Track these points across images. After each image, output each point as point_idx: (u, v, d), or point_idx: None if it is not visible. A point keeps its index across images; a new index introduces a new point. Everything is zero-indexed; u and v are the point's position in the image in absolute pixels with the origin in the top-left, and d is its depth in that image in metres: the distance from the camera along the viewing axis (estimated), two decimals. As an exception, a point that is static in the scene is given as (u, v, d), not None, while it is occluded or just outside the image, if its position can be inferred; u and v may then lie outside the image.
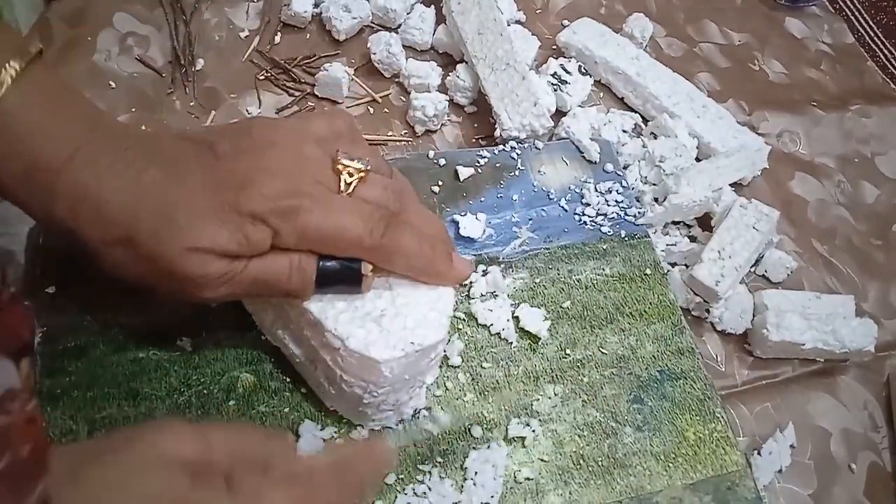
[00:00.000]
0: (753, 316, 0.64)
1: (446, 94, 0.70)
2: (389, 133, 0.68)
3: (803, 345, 0.62)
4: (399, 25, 0.74)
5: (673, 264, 0.66)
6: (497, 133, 0.67)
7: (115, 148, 0.43)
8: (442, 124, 0.70)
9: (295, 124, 0.49)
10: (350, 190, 0.46)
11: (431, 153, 0.64)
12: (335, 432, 0.50)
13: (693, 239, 0.68)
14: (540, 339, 0.57)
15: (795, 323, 0.62)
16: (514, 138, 0.67)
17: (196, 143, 0.45)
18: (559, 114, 0.72)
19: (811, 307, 0.64)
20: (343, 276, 0.46)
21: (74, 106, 0.45)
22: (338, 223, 0.44)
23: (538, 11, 0.81)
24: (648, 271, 0.62)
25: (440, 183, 0.63)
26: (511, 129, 0.66)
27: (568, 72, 0.73)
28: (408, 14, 0.74)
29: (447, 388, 0.54)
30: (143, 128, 0.47)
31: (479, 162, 0.65)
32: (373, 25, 0.74)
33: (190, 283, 0.43)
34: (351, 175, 0.46)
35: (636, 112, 0.75)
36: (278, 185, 0.44)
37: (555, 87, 0.72)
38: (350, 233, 0.45)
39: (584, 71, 0.75)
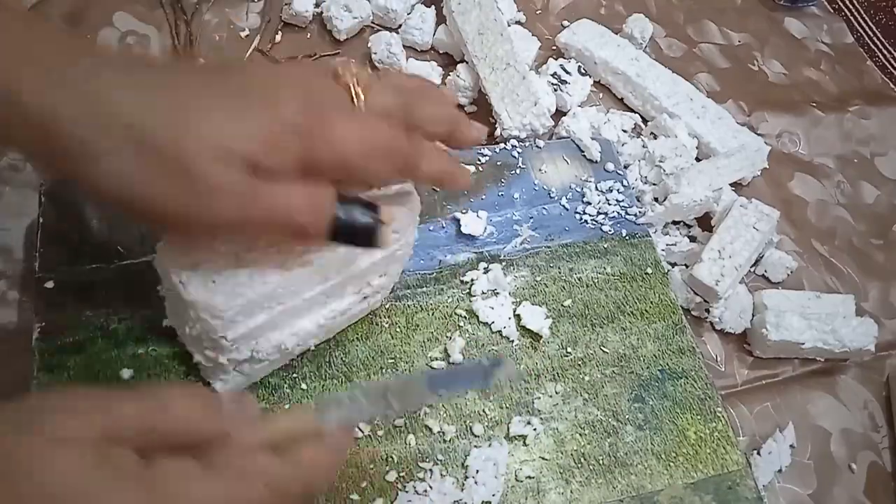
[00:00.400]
0: (753, 316, 0.64)
1: (447, 93, 0.70)
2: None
3: (803, 344, 0.62)
4: (400, 25, 0.74)
5: (673, 264, 0.66)
6: (497, 132, 0.67)
7: (124, 67, 0.40)
8: None
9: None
10: (362, 101, 0.45)
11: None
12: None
13: (693, 239, 0.68)
14: (541, 337, 0.57)
15: (795, 323, 0.62)
16: (514, 137, 0.67)
17: (208, 72, 0.43)
18: (559, 114, 0.72)
19: (811, 307, 0.64)
20: (360, 227, 0.44)
21: (60, 33, 0.42)
22: (365, 135, 0.43)
23: (538, 12, 0.81)
24: (649, 270, 0.62)
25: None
26: (511, 129, 0.66)
27: (567, 72, 0.73)
28: (408, 14, 0.74)
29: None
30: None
31: (480, 160, 0.64)
32: (373, 25, 0.74)
33: (204, 192, 0.39)
34: (357, 85, 0.45)
35: (636, 112, 0.75)
36: (304, 101, 0.42)
37: (555, 87, 0.72)
38: (380, 143, 0.44)
39: (583, 71, 0.75)
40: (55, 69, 0.38)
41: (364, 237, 0.44)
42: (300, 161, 0.41)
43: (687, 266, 0.65)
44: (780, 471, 0.58)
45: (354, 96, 0.44)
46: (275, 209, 0.41)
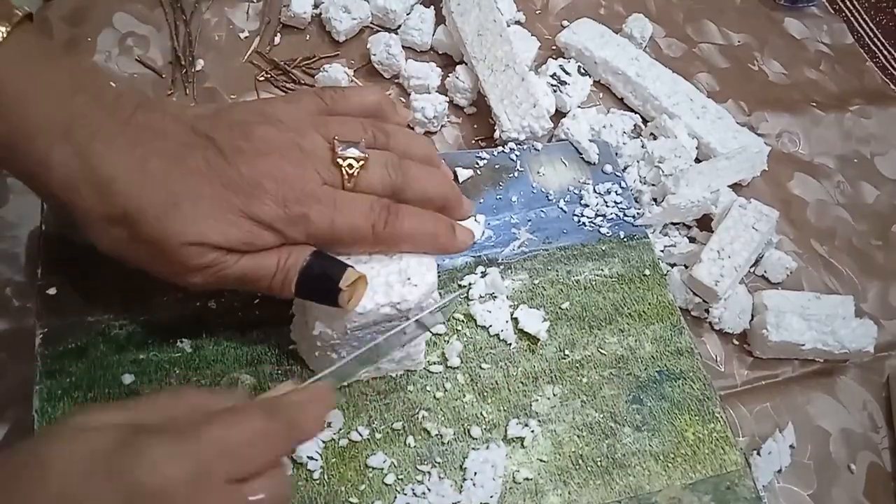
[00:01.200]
0: (752, 316, 0.65)
1: (446, 95, 0.70)
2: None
3: (803, 345, 0.62)
4: (399, 26, 0.74)
5: (672, 265, 0.66)
6: (496, 134, 0.67)
7: (116, 121, 0.43)
8: (441, 125, 0.70)
9: (287, 111, 0.49)
10: (353, 183, 0.47)
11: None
12: (322, 440, 0.51)
13: (692, 240, 0.68)
14: (539, 340, 0.57)
15: (795, 323, 0.62)
16: (513, 140, 0.67)
17: (196, 134, 0.45)
18: (559, 115, 0.72)
19: (810, 308, 0.64)
20: (322, 286, 0.46)
21: (66, 70, 0.44)
22: (343, 224, 0.46)
23: (538, 12, 0.81)
24: (647, 272, 0.62)
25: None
26: (510, 131, 0.66)
27: (567, 72, 0.73)
28: (407, 15, 0.74)
29: (446, 389, 0.54)
30: (136, 98, 0.46)
31: (478, 163, 0.65)
32: (372, 26, 0.74)
33: (182, 269, 0.44)
34: (351, 167, 0.47)
35: (636, 112, 0.75)
36: (286, 193, 0.44)
37: (554, 87, 0.72)
38: (355, 232, 0.46)
39: (583, 71, 0.75)
40: (71, 125, 0.42)
41: (324, 299, 0.46)
42: (283, 242, 0.45)
43: (686, 267, 0.65)
44: (779, 471, 0.58)
45: (346, 178, 0.47)
46: (245, 278, 0.45)
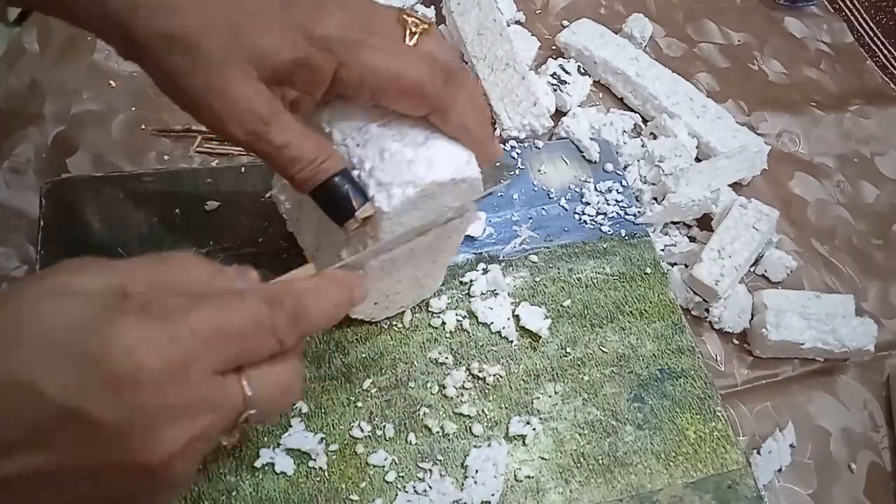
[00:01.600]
0: (752, 316, 0.64)
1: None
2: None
3: (803, 344, 0.62)
4: (399, 25, 0.74)
5: (673, 264, 0.66)
6: (497, 133, 0.67)
7: None
8: None
9: None
10: (414, 40, 0.45)
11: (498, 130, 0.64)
12: (323, 437, 0.50)
13: (693, 239, 0.68)
14: (540, 337, 0.57)
15: (795, 323, 0.62)
16: (513, 138, 0.67)
17: None
18: (559, 114, 0.72)
19: (811, 307, 0.64)
20: (340, 204, 0.44)
21: None
22: (402, 65, 0.43)
23: (538, 12, 0.81)
24: (648, 270, 0.62)
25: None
26: (511, 129, 0.66)
27: (567, 72, 0.73)
28: None
29: (447, 386, 0.53)
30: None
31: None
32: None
33: (231, 115, 0.41)
34: (416, 26, 0.45)
35: (636, 112, 0.75)
36: (351, 16, 0.43)
37: (554, 87, 0.72)
38: (412, 77, 0.43)
39: (583, 71, 0.75)
40: None
41: (334, 213, 0.45)
42: (336, 76, 0.42)
43: (687, 266, 0.65)
44: (779, 470, 0.58)
45: (408, 34, 0.45)
46: (282, 151, 0.43)
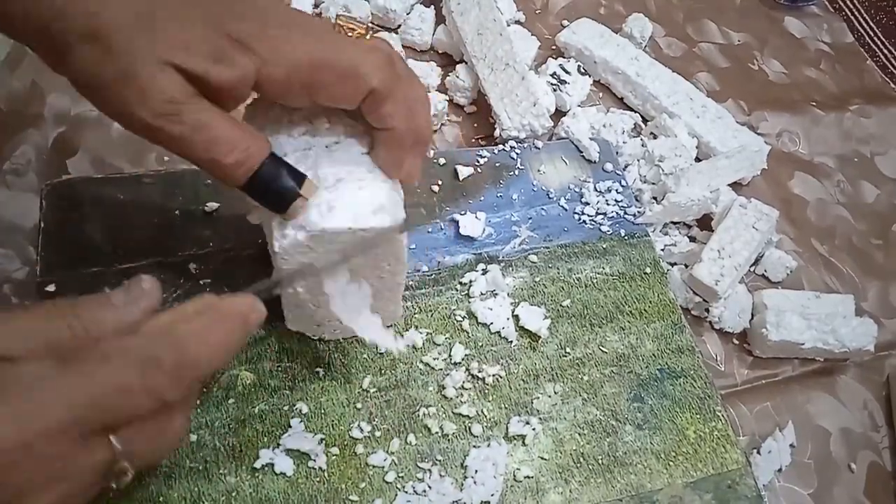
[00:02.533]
0: (752, 316, 0.64)
1: (446, 93, 0.70)
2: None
3: (803, 344, 0.62)
4: (399, 26, 0.74)
5: (672, 264, 0.66)
6: (497, 133, 0.67)
7: None
8: (442, 124, 0.70)
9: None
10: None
11: (431, 153, 0.64)
12: (323, 438, 0.51)
13: (693, 239, 0.68)
14: (540, 337, 0.57)
15: (795, 323, 0.62)
16: (513, 138, 0.67)
17: None
18: (559, 114, 0.72)
19: (810, 307, 0.64)
20: (278, 188, 0.41)
21: None
22: (333, 50, 0.40)
23: (537, 12, 0.81)
24: (648, 270, 0.62)
25: (440, 182, 0.63)
26: (511, 129, 0.66)
27: (567, 72, 0.73)
28: (407, 14, 0.74)
29: (447, 387, 0.53)
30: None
31: (478, 161, 0.65)
32: (373, 26, 0.74)
33: (140, 99, 0.38)
34: (351, 31, 0.44)
35: (636, 112, 0.75)
36: (275, 15, 0.40)
37: (554, 87, 0.72)
38: (355, 68, 0.40)
39: (583, 71, 0.75)
40: None
41: (276, 200, 0.42)
42: (261, 75, 0.40)
43: (686, 266, 0.65)
44: (779, 470, 0.58)
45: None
46: (201, 135, 0.39)
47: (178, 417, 0.36)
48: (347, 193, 0.44)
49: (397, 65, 0.43)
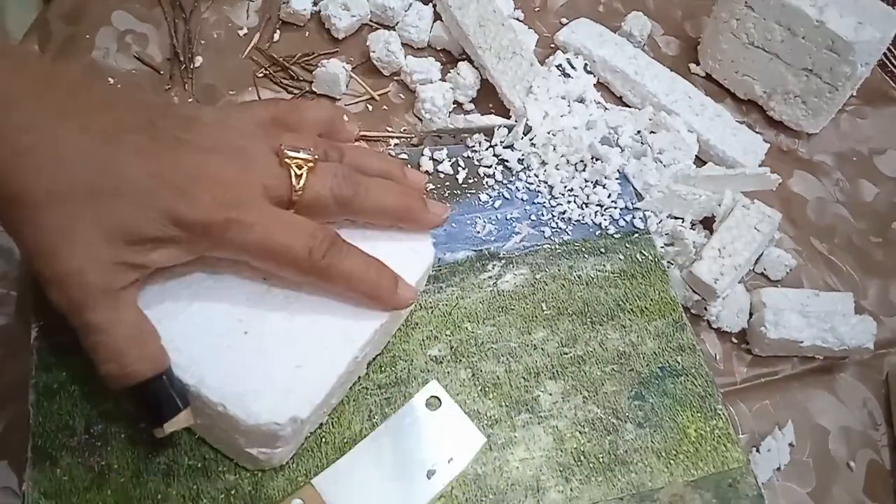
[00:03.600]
0: (751, 315, 0.64)
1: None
2: (389, 129, 0.68)
3: (801, 342, 0.62)
4: (397, 23, 0.74)
5: (671, 263, 0.65)
6: (512, 119, 0.67)
7: (43, 90, 0.39)
8: (449, 113, 0.70)
9: (239, 116, 0.47)
10: (301, 184, 0.44)
11: (428, 149, 0.64)
12: (322, 435, 0.50)
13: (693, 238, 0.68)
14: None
15: (794, 321, 0.62)
16: (527, 123, 0.66)
17: (133, 112, 0.42)
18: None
19: (809, 305, 0.64)
20: (151, 411, 0.42)
21: (34, 62, 0.42)
22: (278, 241, 0.43)
23: (536, 10, 0.81)
24: (649, 267, 0.62)
25: (440, 176, 0.63)
26: (523, 113, 0.66)
27: (573, 66, 0.72)
28: (405, 12, 0.74)
29: (447, 384, 0.53)
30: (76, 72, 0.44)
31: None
32: (371, 24, 0.74)
33: (56, 269, 0.39)
34: (300, 167, 0.44)
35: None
36: (223, 194, 0.41)
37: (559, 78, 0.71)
38: (289, 253, 0.43)
39: (588, 70, 0.74)
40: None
41: (150, 416, 0.43)
42: (194, 256, 0.42)
43: (686, 265, 0.65)
44: (778, 469, 0.58)
45: (294, 180, 0.44)
46: (96, 325, 0.40)
47: None
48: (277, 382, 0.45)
49: (338, 243, 0.46)
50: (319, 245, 0.44)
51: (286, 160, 0.44)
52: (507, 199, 0.63)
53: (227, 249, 0.43)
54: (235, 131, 0.45)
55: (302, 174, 0.45)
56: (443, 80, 0.71)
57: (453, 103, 0.71)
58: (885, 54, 0.89)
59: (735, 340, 0.64)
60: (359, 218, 0.49)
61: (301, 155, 0.45)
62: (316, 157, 0.45)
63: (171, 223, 0.40)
